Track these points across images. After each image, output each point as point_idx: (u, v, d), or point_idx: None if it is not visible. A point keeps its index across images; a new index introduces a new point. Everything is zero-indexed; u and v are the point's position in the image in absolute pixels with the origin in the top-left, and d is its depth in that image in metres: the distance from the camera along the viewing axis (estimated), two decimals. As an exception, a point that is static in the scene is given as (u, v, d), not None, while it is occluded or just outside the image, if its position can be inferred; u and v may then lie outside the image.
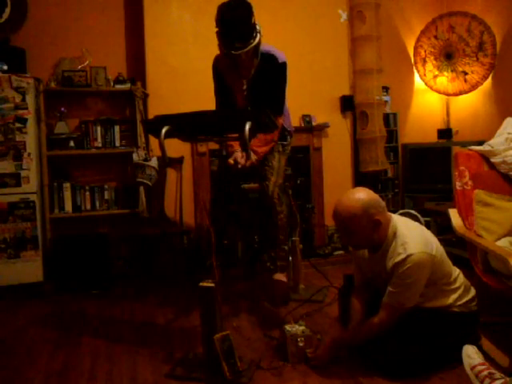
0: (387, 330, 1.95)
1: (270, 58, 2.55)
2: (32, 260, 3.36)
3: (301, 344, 2.10)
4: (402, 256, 1.90)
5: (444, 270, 2.02)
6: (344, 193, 2.04)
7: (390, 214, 2.05)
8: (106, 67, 3.79)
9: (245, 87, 2.64)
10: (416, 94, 4.90)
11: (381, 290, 2.05)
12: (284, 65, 2.59)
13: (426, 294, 1.98)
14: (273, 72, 2.56)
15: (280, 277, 2.71)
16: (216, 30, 2.41)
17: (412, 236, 1.95)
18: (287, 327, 2.15)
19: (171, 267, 3.69)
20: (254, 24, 2.41)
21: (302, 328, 2.14)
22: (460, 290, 2.05)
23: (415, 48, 4.81)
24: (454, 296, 2.03)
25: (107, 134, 3.81)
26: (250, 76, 2.59)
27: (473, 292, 2.11)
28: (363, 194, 1.97)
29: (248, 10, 2.37)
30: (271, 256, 2.73)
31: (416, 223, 2.12)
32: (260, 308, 2.84)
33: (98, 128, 3.78)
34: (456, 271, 2.10)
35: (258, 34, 2.43)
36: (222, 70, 2.65)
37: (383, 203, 2.01)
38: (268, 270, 2.74)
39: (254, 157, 2.44)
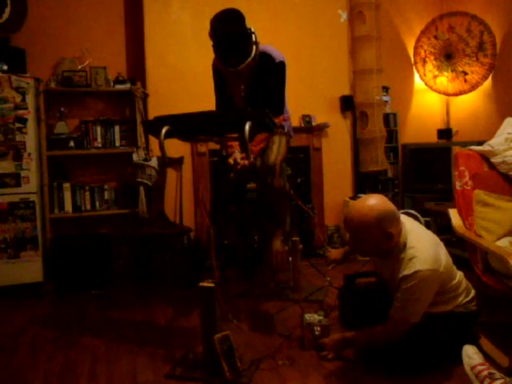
0: (393, 341, 1.93)
1: (267, 57, 2.52)
2: (32, 260, 3.35)
3: (317, 332, 2.18)
4: (409, 271, 1.86)
5: (450, 282, 2.00)
6: (360, 198, 2.00)
7: (401, 221, 2.00)
8: (106, 67, 3.79)
9: (242, 87, 2.63)
10: (416, 93, 4.90)
11: (390, 292, 2.05)
12: (281, 64, 2.56)
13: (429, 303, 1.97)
14: (270, 72, 2.54)
15: (278, 246, 2.74)
16: (211, 43, 2.40)
17: (422, 250, 1.89)
18: (306, 316, 2.25)
19: (171, 267, 3.69)
20: (249, 35, 2.38)
21: (320, 318, 2.23)
22: (462, 295, 2.05)
23: (415, 48, 4.81)
24: (456, 302, 2.03)
25: (107, 134, 3.81)
26: (246, 74, 2.58)
27: (472, 293, 2.11)
28: (380, 204, 1.91)
29: (241, 24, 2.33)
30: (273, 223, 2.78)
31: (427, 231, 2.08)
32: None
33: (98, 128, 3.79)
34: (460, 276, 2.08)
35: (254, 46, 2.40)
36: (220, 70, 2.65)
37: (398, 214, 1.96)
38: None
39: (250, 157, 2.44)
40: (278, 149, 2.66)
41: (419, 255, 1.88)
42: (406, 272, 1.87)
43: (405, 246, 1.93)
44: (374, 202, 1.92)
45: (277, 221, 2.79)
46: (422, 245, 1.92)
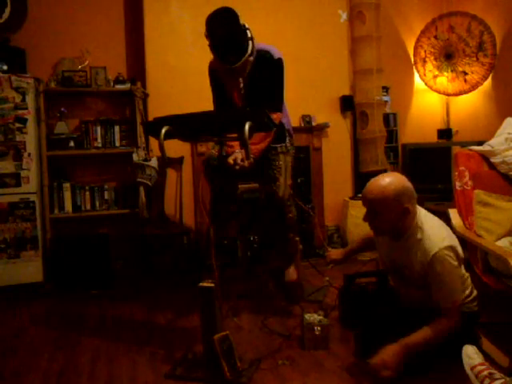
0: (458, 330, 1.92)
1: (265, 55, 2.55)
2: (32, 260, 3.36)
3: (317, 332, 2.19)
4: (432, 253, 1.89)
5: (461, 266, 2.04)
6: (379, 175, 2.04)
7: (418, 206, 2.05)
8: (105, 67, 3.79)
9: (241, 86, 2.64)
10: (416, 94, 4.89)
11: (397, 280, 2.08)
12: (279, 61, 2.57)
13: None
14: (269, 69, 2.56)
15: (291, 275, 2.86)
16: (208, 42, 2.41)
17: (438, 230, 1.97)
18: (306, 316, 2.26)
19: (171, 267, 3.69)
20: (245, 31, 2.40)
21: (320, 318, 2.24)
22: (468, 289, 2.07)
23: (415, 48, 4.80)
24: (463, 295, 2.04)
25: (107, 134, 3.81)
26: (245, 74, 2.59)
27: (475, 293, 2.11)
28: (399, 180, 1.97)
29: (236, 23, 2.35)
30: (281, 253, 2.84)
31: (439, 220, 2.11)
32: (275, 306, 2.89)
33: (98, 128, 3.78)
34: (466, 273, 2.11)
35: (250, 42, 2.42)
36: (217, 71, 2.65)
37: (416, 194, 2.00)
38: (276, 271, 2.80)
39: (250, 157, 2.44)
40: (285, 177, 2.71)
41: (437, 235, 1.94)
42: (430, 256, 1.89)
43: (421, 230, 1.97)
44: (394, 177, 1.98)
45: (289, 254, 2.88)
46: (436, 225, 2.00)
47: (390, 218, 1.96)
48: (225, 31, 2.34)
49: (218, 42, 2.37)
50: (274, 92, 2.60)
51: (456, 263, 1.93)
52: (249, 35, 2.42)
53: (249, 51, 2.42)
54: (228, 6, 2.40)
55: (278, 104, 2.60)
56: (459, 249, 1.97)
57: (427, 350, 1.89)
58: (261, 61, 2.54)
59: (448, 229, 2.05)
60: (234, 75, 2.58)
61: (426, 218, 2.01)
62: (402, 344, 1.86)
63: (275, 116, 2.48)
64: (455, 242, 1.96)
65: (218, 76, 2.68)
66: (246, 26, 2.42)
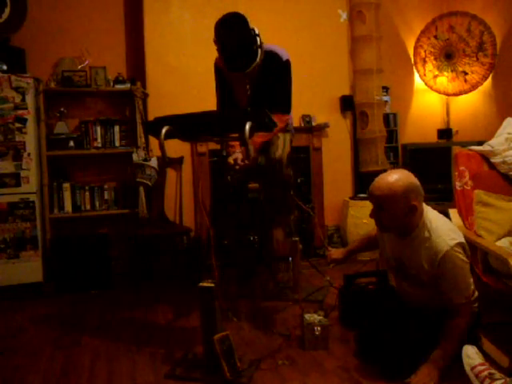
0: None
1: (273, 56, 2.53)
2: (32, 260, 3.35)
3: (317, 333, 2.19)
4: (443, 252, 1.89)
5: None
6: (386, 172, 2.04)
7: (424, 204, 2.05)
8: (105, 67, 3.78)
9: (248, 87, 2.63)
10: (416, 93, 4.89)
11: (400, 279, 2.09)
12: (288, 62, 2.57)
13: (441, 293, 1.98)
14: (277, 70, 2.55)
15: (278, 235, 2.95)
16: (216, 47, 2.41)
17: (445, 227, 1.97)
18: (306, 316, 2.26)
19: (171, 267, 3.69)
20: (254, 37, 2.38)
21: (320, 318, 2.24)
22: (472, 286, 2.06)
23: (415, 48, 4.81)
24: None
25: (107, 134, 3.81)
26: (252, 75, 2.58)
27: (476, 294, 2.11)
28: (407, 177, 1.96)
29: (245, 29, 2.32)
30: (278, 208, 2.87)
31: (445, 217, 2.12)
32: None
33: (98, 128, 3.78)
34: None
35: (259, 49, 2.41)
36: (223, 70, 2.64)
37: (423, 192, 2.00)
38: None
39: (252, 154, 2.44)
40: (283, 143, 2.74)
41: (446, 232, 1.94)
42: (442, 253, 1.90)
43: (427, 225, 1.97)
44: (401, 174, 1.97)
45: (280, 210, 2.84)
46: (443, 223, 2.00)
47: (396, 215, 1.95)
48: (234, 38, 2.32)
49: (227, 49, 2.35)
50: (281, 94, 2.60)
51: (466, 259, 1.94)
52: (258, 42, 2.40)
53: (258, 58, 2.41)
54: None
55: (285, 105, 2.60)
56: (466, 245, 1.98)
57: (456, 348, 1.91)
58: (268, 62, 2.52)
59: (454, 226, 2.05)
60: (241, 77, 2.57)
61: (432, 216, 2.01)
62: (434, 361, 1.88)
63: (284, 118, 2.49)
64: (463, 239, 1.97)
65: (224, 74, 2.66)
66: (256, 31, 2.40)
